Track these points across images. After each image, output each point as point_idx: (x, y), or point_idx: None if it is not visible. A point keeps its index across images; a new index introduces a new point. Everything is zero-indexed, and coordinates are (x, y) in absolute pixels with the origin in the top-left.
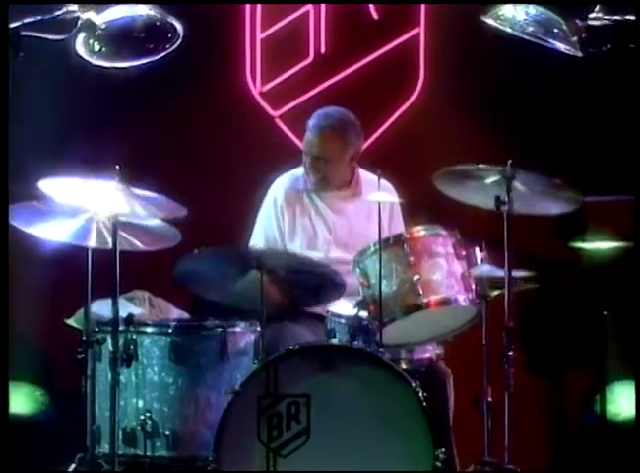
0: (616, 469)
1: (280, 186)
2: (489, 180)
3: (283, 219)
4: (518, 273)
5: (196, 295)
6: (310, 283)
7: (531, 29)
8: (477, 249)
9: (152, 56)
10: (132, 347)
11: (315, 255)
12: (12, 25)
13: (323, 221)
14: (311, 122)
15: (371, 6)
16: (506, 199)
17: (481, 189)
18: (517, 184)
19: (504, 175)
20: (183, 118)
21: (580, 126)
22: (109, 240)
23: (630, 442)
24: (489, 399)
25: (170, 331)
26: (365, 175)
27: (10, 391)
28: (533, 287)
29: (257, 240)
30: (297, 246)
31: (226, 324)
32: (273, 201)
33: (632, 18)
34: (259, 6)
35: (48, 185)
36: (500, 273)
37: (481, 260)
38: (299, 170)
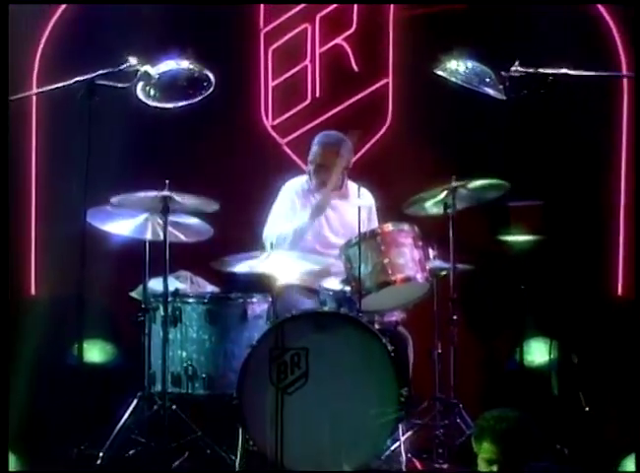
0: (531, 400)
1: (291, 187)
2: (442, 195)
3: (291, 210)
4: (459, 264)
5: (225, 275)
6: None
7: (469, 78)
8: (430, 249)
9: (192, 99)
10: (178, 313)
11: (306, 240)
12: (89, 76)
13: None
14: (317, 139)
15: (352, 60)
16: (451, 204)
17: (437, 202)
18: (461, 190)
19: (449, 189)
20: (214, 144)
21: (505, 151)
22: (161, 234)
23: (541, 382)
24: (439, 351)
25: (206, 301)
26: (352, 184)
27: (88, 346)
28: (470, 268)
29: (271, 225)
30: None
31: (246, 295)
32: (285, 197)
33: (542, 71)
34: (270, 61)
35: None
36: (447, 265)
37: (434, 257)
38: (302, 178)
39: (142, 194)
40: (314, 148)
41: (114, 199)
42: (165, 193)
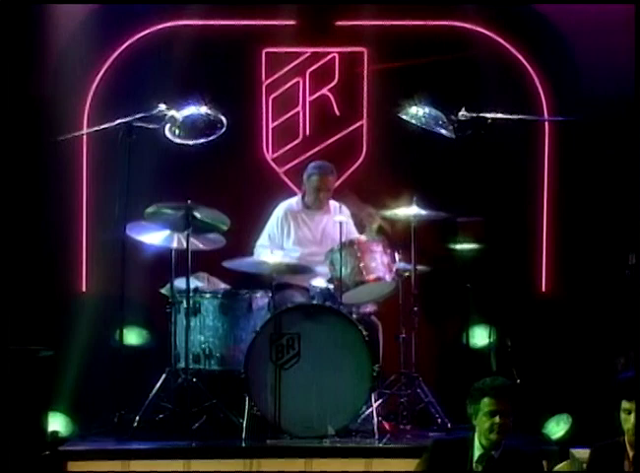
0: (474, 374)
1: (282, 207)
2: (404, 213)
3: (282, 227)
4: (419, 266)
5: (234, 275)
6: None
7: (427, 121)
8: (396, 254)
9: (208, 138)
10: (197, 305)
11: (299, 250)
12: (128, 119)
13: (307, 228)
14: (312, 167)
15: (335, 107)
16: (412, 218)
17: (401, 218)
18: (417, 209)
19: (409, 208)
20: (226, 172)
21: (455, 179)
22: (184, 244)
23: (482, 360)
24: (403, 335)
25: (219, 296)
26: (333, 203)
27: (127, 331)
28: (428, 270)
29: (264, 239)
30: (291, 243)
31: (251, 291)
32: (277, 216)
33: (482, 115)
34: (270, 107)
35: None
36: (409, 267)
37: (399, 260)
38: (293, 199)
39: (170, 206)
40: (311, 175)
41: (149, 209)
42: (189, 206)
